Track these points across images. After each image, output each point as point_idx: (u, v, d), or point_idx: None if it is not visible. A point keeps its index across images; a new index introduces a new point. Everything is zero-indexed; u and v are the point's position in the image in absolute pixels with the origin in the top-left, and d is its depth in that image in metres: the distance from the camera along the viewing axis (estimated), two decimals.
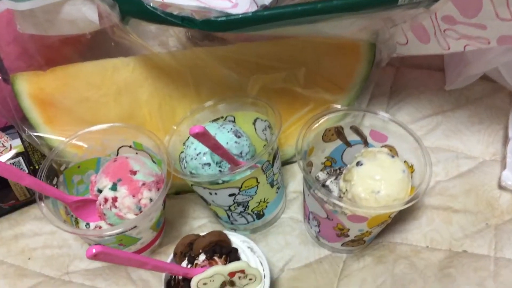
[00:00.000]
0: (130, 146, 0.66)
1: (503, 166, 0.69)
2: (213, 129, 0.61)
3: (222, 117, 0.68)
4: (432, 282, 0.60)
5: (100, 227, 0.62)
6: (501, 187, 0.68)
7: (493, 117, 0.76)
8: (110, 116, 0.68)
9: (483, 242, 0.63)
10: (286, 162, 0.76)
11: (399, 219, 0.67)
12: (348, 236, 0.61)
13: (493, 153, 0.73)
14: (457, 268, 0.61)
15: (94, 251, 0.43)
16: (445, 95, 0.80)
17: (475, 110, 0.77)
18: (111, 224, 0.61)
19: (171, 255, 0.57)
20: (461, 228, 0.65)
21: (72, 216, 0.63)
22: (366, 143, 0.65)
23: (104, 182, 0.60)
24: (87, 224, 0.63)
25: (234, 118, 0.68)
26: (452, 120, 0.77)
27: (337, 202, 0.54)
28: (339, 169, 0.67)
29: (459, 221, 0.66)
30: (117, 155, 0.66)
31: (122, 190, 0.59)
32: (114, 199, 0.59)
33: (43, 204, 0.58)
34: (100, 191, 0.61)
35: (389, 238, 0.66)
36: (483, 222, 0.65)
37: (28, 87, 0.66)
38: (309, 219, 0.65)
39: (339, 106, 0.72)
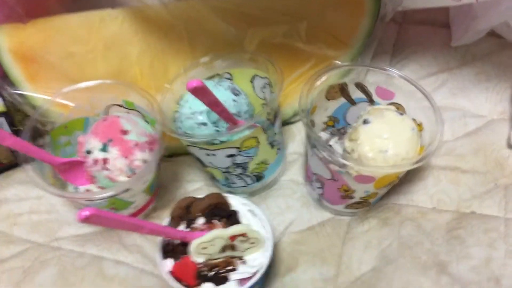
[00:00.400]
0: (121, 105, 0.62)
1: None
2: (209, 87, 0.57)
3: (218, 75, 0.64)
4: (439, 244, 0.58)
5: (90, 191, 0.58)
6: (510, 146, 0.66)
7: (501, 74, 0.73)
8: (98, 74, 0.64)
9: (492, 202, 0.61)
10: (285, 123, 0.73)
11: (404, 180, 0.64)
12: (353, 197, 0.58)
13: (501, 111, 0.70)
14: (466, 229, 0.59)
15: (86, 213, 0.40)
16: (451, 52, 0.77)
17: (482, 67, 0.74)
18: (101, 187, 0.57)
19: (167, 219, 0.54)
20: (469, 188, 0.63)
21: (59, 179, 0.59)
22: (371, 101, 0.62)
23: (93, 142, 0.56)
24: (76, 187, 0.59)
25: (231, 75, 0.64)
26: (458, 78, 0.74)
27: (344, 161, 0.51)
28: (343, 128, 0.64)
29: (467, 182, 0.63)
30: (106, 114, 0.62)
31: (113, 151, 0.55)
32: (105, 161, 0.55)
33: (28, 167, 0.54)
34: (89, 152, 0.57)
35: (394, 199, 0.64)
36: (492, 183, 0.63)
37: (7, 41, 0.62)
38: (311, 180, 0.62)
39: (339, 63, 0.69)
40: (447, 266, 0.56)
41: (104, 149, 0.55)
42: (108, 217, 0.42)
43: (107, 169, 0.55)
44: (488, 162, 0.65)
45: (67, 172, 0.59)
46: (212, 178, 0.65)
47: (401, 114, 0.55)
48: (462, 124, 0.69)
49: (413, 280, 0.56)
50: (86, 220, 0.40)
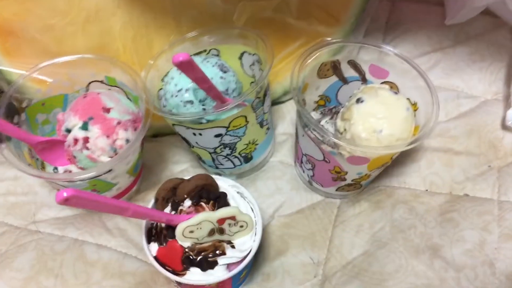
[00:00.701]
0: (102, 81, 0.59)
1: (507, 105, 0.65)
2: None
3: (205, 51, 0.61)
4: (433, 227, 0.57)
5: (70, 172, 0.56)
6: (504, 127, 0.64)
7: (495, 54, 0.71)
8: (78, 48, 0.60)
9: (486, 185, 0.60)
10: (274, 102, 0.71)
11: (397, 162, 0.63)
12: (345, 180, 0.56)
13: (495, 92, 0.69)
14: (460, 212, 0.57)
15: (65, 194, 0.37)
16: (445, 31, 0.75)
17: (476, 47, 0.72)
18: (82, 168, 0.55)
19: (152, 201, 0.52)
20: (462, 171, 0.61)
21: (37, 159, 0.56)
22: (364, 80, 0.59)
23: (73, 120, 0.53)
24: (55, 168, 0.56)
25: (219, 52, 0.61)
26: (452, 58, 0.72)
27: (338, 141, 0.49)
28: (334, 108, 0.62)
29: (460, 164, 0.62)
30: (87, 91, 0.59)
31: (94, 130, 0.53)
32: (85, 140, 0.52)
33: (3, 146, 0.51)
34: (68, 131, 0.54)
35: (386, 182, 0.62)
36: (485, 165, 0.62)
37: None
38: (301, 162, 0.60)
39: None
40: (440, 250, 0.55)
41: (84, 127, 0.53)
42: (90, 198, 0.39)
43: (87, 148, 0.53)
44: (482, 144, 0.64)
45: (45, 151, 0.56)
46: (199, 159, 0.63)
47: (396, 93, 0.53)
48: (456, 105, 0.68)
49: (406, 264, 0.54)
50: (66, 201, 0.37)
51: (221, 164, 0.61)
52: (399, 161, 0.63)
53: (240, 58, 0.61)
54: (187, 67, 0.46)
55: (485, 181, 0.60)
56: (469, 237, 0.55)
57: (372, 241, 0.57)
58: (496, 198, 0.59)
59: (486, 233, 0.55)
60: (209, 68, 0.55)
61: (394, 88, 0.57)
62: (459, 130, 0.65)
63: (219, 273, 0.47)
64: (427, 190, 0.61)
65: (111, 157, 0.53)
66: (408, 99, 0.54)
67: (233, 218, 0.47)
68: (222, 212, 0.46)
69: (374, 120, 0.51)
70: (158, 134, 0.69)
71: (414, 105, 0.55)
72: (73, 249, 0.57)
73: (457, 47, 0.73)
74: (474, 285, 0.52)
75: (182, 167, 0.66)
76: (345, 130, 0.53)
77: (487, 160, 0.62)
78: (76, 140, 0.53)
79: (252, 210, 0.51)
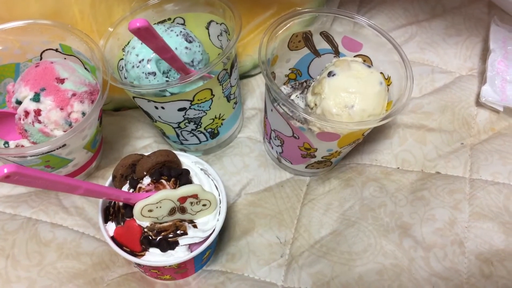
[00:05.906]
0: (57, 50, 0.55)
1: (482, 81, 0.64)
2: (158, 33, 0.51)
3: (169, 19, 0.58)
4: (403, 205, 0.55)
5: (22, 146, 0.52)
6: (479, 103, 0.63)
7: (471, 28, 0.70)
8: (31, 14, 0.56)
9: (458, 163, 0.58)
10: (243, 76, 0.68)
11: (368, 139, 0.61)
12: (314, 157, 0.54)
13: (470, 67, 0.67)
14: (431, 190, 0.56)
15: (5, 171, 0.33)
16: (421, 3, 0.72)
17: (452, 21, 0.70)
18: (34, 143, 0.51)
19: (110, 179, 0.49)
20: (435, 148, 0.60)
21: None
22: (337, 52, 0.57)
23: (23, 91, 0.50)
24: (6, 142, 0.53)
25: (184, 21, 0.58)
26: (428, 31, 0.70)
27: (307, 115, 0.46)
28: (305, 82, 0.59)
29: (433, 141, 0.61)
30: (40, 60, 0.55)
31: (47, 102, 0.49)
32: (37, 112, 0.49)
33: None
34: (19, 102, 0.50)
35: (357, 159, 0.60)
36: (458, 142, 0.60)
37: None
38: (270, 138, 0.57)
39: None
40: (410, 229, 0.54)
41: (36, 99, 0.49)
42: (33, 175, 0.36)
43: (40, 122, 0.49)
44: (456, 120, 0.62)
45: None
46: (163, 134, 0.60)
47: (369, 66, 0.51)
48: (430, 80, 0.66)
49: (375, 243, 0.53)
50: (6, 179, 0.34)
51: (186, 140, 0.58)
52: (371, 137, 0.61)
53: (207, 27, 0.58)
54: (146, 34, 0.43)
55: (457, 158, 0.59)
56: (440, 216, 0.54)
57: (341, 220, 0.55)
58: (467, 176, 0.57)
59: (457, 212, 0.54)
60: (173, 38, 0.52)
61: (367, 61, 0.55)
62: (432, 106, 0.63)
63: (180, 254, 0.45)
64: (398, 167, 0.59)
65: (66, 131, 0.50)
66: (381, 73, 0.52)
67: (195, 196, 0.44)
68: (184, 190, 0.44)
69: (346, 95, 0.48)
70: (120, 108, 0.65)
71: (388, 79, 0.53)
72: (26, 228, 0.54)
73: (433, 20, 0.71)
74: (443, 265, 0.51)
75: (145, 143, 0.63)
76: (315, 105, 0.50)
77: (460, 137, 0.61)
78: (27, 113, 0.49)
79: (217, 188, 0.49)
